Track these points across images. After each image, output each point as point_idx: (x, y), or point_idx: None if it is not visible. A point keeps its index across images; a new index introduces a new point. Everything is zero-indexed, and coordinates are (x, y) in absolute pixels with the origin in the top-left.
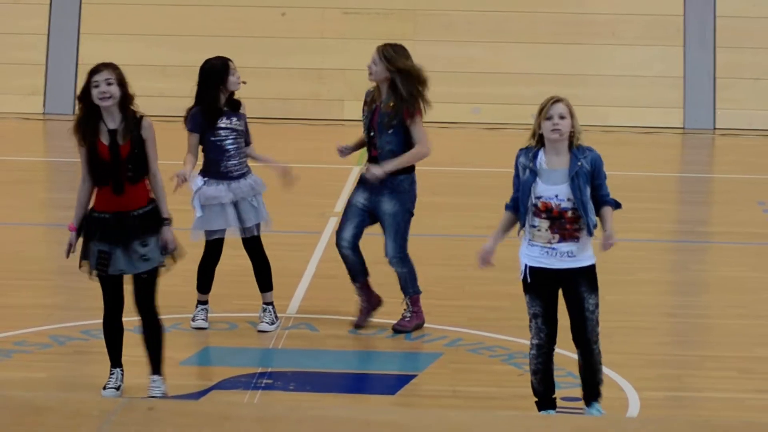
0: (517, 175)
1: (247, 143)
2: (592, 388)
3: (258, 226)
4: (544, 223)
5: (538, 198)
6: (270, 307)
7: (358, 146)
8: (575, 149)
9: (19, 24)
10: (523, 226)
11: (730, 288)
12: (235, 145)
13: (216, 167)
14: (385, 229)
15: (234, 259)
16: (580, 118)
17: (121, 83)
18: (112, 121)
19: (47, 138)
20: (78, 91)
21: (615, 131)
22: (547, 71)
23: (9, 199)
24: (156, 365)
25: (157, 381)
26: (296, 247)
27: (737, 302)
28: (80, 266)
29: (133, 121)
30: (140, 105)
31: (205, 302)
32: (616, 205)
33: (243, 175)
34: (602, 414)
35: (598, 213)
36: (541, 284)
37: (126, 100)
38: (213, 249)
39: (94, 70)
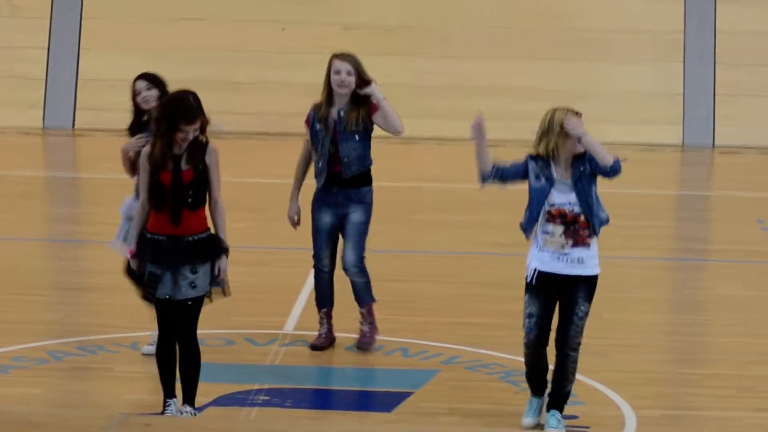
0: (519, 167)
1: None
2: (557, 397)
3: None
4: (558, 229)
5: (552, 205)
6: None
7: (300, 184)
8: (578, 156)
9: (19, 38)
10: (530, 230)
11: (729, 306)
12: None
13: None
14: (348, 239)
15: (231, 275)
16: None
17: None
18: (179, 147)
19: (46, 152)
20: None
21: (613, 148)
22: (546, 87)
23: (8, 213)
24: (190, 395)
25: (189, 410)
26: (293, 263)
27: (736, 320)
28: (139, 293)
29: (198, 146)
30: None
31: None
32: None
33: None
34: (560, 425)
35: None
36: (545, 288)
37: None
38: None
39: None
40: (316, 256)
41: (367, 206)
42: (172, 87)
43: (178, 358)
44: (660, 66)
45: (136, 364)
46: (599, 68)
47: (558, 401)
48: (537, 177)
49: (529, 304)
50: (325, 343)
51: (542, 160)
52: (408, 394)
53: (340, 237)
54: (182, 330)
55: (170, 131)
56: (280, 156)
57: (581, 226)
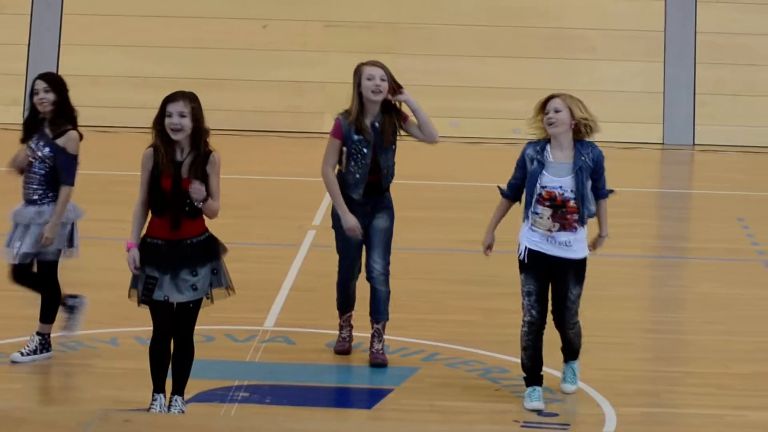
0: (522, 166)
1: (60, 179)
2: (569, 351)
3: (28, 255)
4: (547, 212)
5: (543, 187)
6: (38, 337)
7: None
8: (579, 144)
9: (0, 34)
10: (527, 213)
11: (709, 304)
12: (32, 169)
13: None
14: (375, 246)
15: None
16: None
17: (195, 117)
18: (181, 153)
19: None
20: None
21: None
22: (528, 86)
23: None
24: (179, 386)
25: (179, 400)
26: (274, 260)
27: (716, 318)
28: (129, 295)
29: (200, 156)
30: (122, 116)
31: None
32: (611, 192)
33: (31, 202)
34: (576, 373)
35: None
36: (536, 265)
37: (198, 133)
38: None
39: (170, 99)
40: (350, 266)
41: (391, 212)
42: (154, 84)
43: (171, 354)
44: (641, 65)
45: (116, 360)
46: (580, 67)
47: (570, 353)
48: (531, 161)
49: (526, 282)
50: (350, 347)
51: (541, 143)
52: (388, 391)
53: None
54: (181, 330)
55: (161, 121)
56: (260, 153)
57: (569, 211)
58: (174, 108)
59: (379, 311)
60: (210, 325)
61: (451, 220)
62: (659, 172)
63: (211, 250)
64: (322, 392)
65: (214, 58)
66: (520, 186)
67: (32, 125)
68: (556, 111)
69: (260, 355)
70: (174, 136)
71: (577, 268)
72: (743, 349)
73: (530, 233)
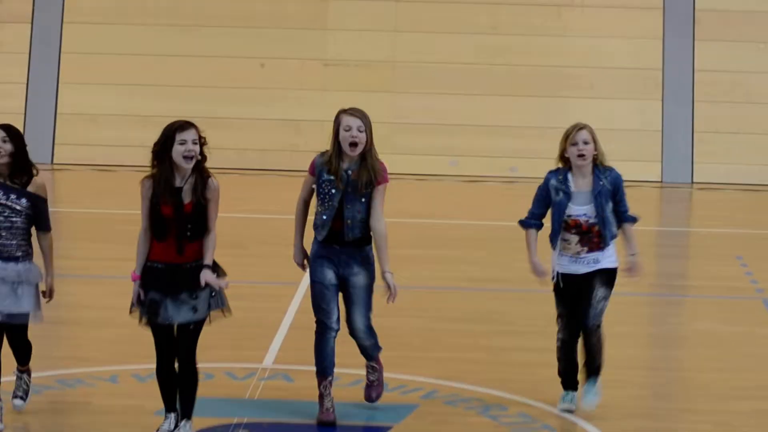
0: (545, 196)
1: (41, 228)
2: (590, 368)
3: (18, 315)
4: (574, 238)
5: (569, 216)
6: (25, 375)
7: (303, 228)
8: (597, 170)
9: None
10: (554, 241)
11: (708, 342)
12: (7, 224)
13: None
14: (354, 302)
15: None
16: None
17: (201, 143)
18: (181, 179)
19: None
20: (151, 145)
21: None
22: (526, 124)
23: None
24: (186, 410)
25: (187, 425)
26: (273, 298)
27: (714, 356)
28: (130, 312)
29: (201, 180)
30: (121, 155)
31: None
32: (634, 220)
33: (13, 259)
34: (597, 392)
35: (619, 226)
36: (568, 288)
37: (200, 160)
38: None
39: (181, 127)
40: (325, 314)
41: (370, 266)
42: (153, 122)
43: (177, 377)
44: (639, 103)
45: (115, 398)
46: (578, 105)
47: (592, 372)
48: (557, 191)
49: (558, 305)
50: (335, 418)
51: (562, 172)
52: (387, 429)
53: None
54: (183, 352)
55: (167, 149)
56: (259, 191)
57: (595, 235)
58: (188, 136)
59: (367, 355)
60: (209, 363)
61: (450, 257)
62: (658, 210)
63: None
64: (321, 430)
65: (213, 97)
66: (544, 214)
67: None
68: (585, 143)
69: (260, 392)
70: (187, 165)
71: (606, 274)
72: (740, 387)
73: (560, 258)
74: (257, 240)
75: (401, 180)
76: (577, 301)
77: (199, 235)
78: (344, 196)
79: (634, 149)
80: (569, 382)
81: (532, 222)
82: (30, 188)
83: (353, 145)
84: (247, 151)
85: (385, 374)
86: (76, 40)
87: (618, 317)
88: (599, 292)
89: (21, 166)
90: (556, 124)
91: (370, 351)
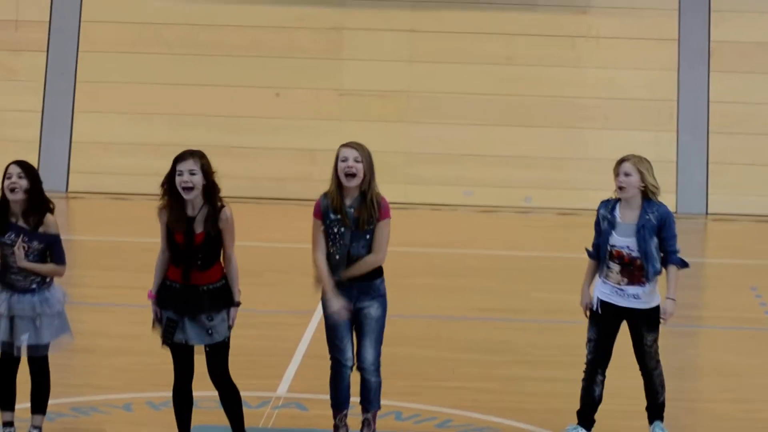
0: (597, 224)
1: (56, 262)
2: (653, 408)
3: (39, 347)
4: (616, 267)
5: (612, 246)
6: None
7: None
8: (646, 204)
9: (13, 101)
10: (601, 268)
11: (722, 372)
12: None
13: (3, 274)
14: (366, 335)
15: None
16: (570, 201)
17: (206, 172)
18: (192, 208)
19: None
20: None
21: None
22: (540, 154)
23: None
24: (237, 426)
25: None
26: (287, 327)
27: (729, 387)
28: (153, 328)
29: (212, 211)
30: (135, 183)
31: (9, 423)
32: (683, 264)
33: (29, 291)
34: None
35: (665, 265)
36: (605, 316)
37: (209, 189)
38: (1, 361)
39: (179, 158)
40: (339, 351)
41: (383, 299)
42: (167, 151)
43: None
44: (654, 134)
45: (129, 426)
46: (593, 136)
47: (656, 411)
48: (603, 220)
49: (589, 330)
50: None
51: (612, 203)
52: None
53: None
54: (214, 374)
55: (171, 179)
56: (273, 220)
57: (636, 268)
58: (184, 166)
59: (368, 400)
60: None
61: (464, 287)
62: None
63: (225, 297)
64: None
65: (228, 126)
66: (596, 245)
67: (2, 218)
68: (626, 175)
69: (273, 421)
70: (186, 195)
71: (648, 315)
72: (756, 418)
73: (602, 285)
74: (271, 269)
75: (415, 210)
76: (612, 331)
77: (211, 263)
78: (351, 234)
79: None
80: (582, 417)
81: (592, 253)
82: (42, 228)
83: (350, 176)
84: (262, 180)
85: (399, 403)
86: (91, 68)
87: (630, 348)
88: (648, 338)
89: (35, 204)
90: (570, 155)
91: (372, 395)
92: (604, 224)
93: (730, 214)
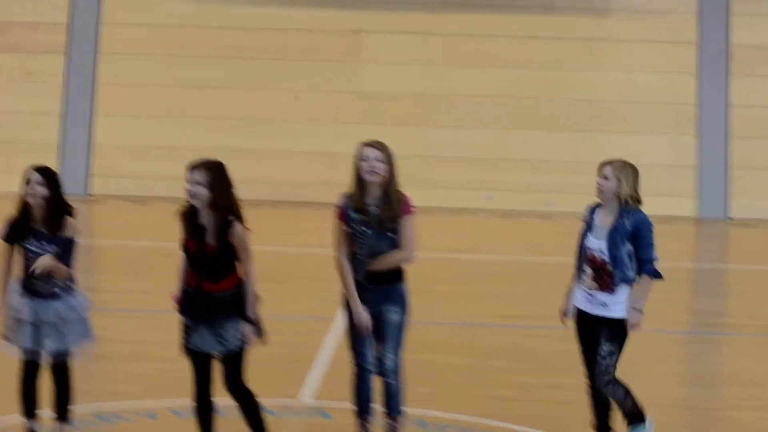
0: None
1: (64, 263)
2: (625, 416)
3: (62, 353)
4: (589, 271)
5: (587, 249)
6: None
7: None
8: (624, 209)
9: (32, 103)
10: (578, 272)
11: (746, 380)
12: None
13: (26, 280)
14: (388, 340)
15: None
16: None
17: (212, 185)
18: (205, 218)
19: None
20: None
21: None
22: (559, 158)
23: None
24: (257, 426)
25: None
26: (308, 333)
27: (752, 394)
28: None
29: (221, 225)
30: (155, 187)
31: (33, 431)
32: (656, 275)
33: (53, 296)
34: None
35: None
36: (581, 325)
37: (216, 201)
38: (24, 367)
39: (189, 166)
40: (361, 357)
41: (404, 304)
42: (187, 154)
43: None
44: (673, 138)
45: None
46: (612, 140)
47: (630, 420)
48: (584, 221)
49: (577, 340)
50: None
51: (595, 206)
52: None
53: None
54: (227, 381)
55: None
56: (293, 224)
57: (607, 273)
58: (190, 176)
59: (390, 406)
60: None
61: (485, 293)
62: (694, 247)
63: (239, 307)
64: None
65: (247, 129)
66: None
67: (22, 225)
68: (605, 178)
69: (296, 429)
70: (191, 202)
71: (611, 325)
72: None
73: (577, 290)
74: (291, 274)
75: (434, 214)
76: (590, 340)
77: (223, 274)
78: (374, 233)
79: (669, 184)
80: (598, 425)
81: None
82: (61, 231)
83: (371, 173)
84: (281, 183)
85: (423, 411)
86: (111, 71)
87: (655, 355)
88: (605, 347)
89: (55, 210)
90: (589, 159)
91: (395, 399)
92: (583, 226)
93: (752, 219)
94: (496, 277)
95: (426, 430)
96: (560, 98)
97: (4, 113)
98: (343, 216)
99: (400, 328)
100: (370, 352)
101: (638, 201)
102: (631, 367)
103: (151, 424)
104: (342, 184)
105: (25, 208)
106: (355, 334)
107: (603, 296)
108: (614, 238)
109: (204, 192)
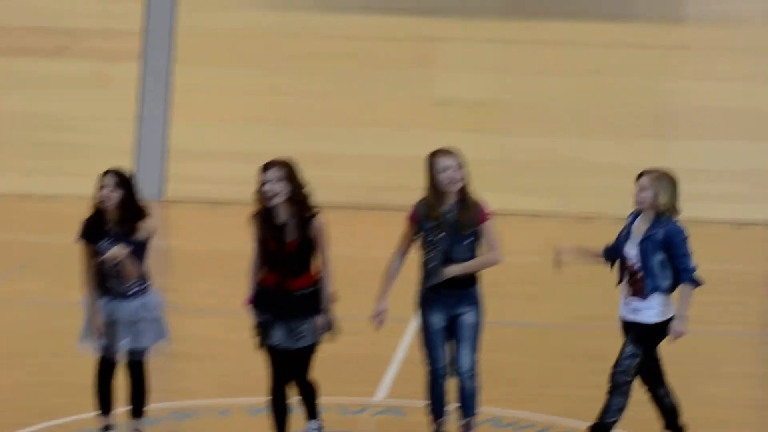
0: (620, 233)
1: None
2: (600, 422)
3: (138, 351)
4: (627, 279)
5: (624, 258)
6: None
7: (393, 282)
8: (657, 219)
9: (108, 109)
10: (620, 281)
11: None
12: (117, 269)
13: (101, 280)
14: (462, 341)
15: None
16: None
17: (290, 180)
18: (282, 215)
19: None
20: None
21: (703, 225)
22: (632, 164)
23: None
24: (312, 412)
25: (313, 423)
26: (384, 333)
27: None
28: (253, 333)
29: (302, 219)
30: (230, 191)
31: (109, 427)
32: (696, 283)
33: (129, 296)
34: None
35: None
36: (624, 331)
37: (296, 198)
38: (101, 365)
39: (262, 167)
40: (434, 361)
41: (479, 306)
42: (261, 159)
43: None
44: (748, 145)
45: (226, 431)
46: (686, 146)
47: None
48: (624, 229)
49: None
50: None
51: (635, 214)
52: None
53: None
54: (296, 374)
55: (259, 190)
56: (369, 229)
57: (639, 280)
58: (266, 176)
59: (465, 406)
60: (321, 397)
61: (561, 295)
62: None
63: (316, 303)
64: None
65: (322, 134)
66: (613, 248)
67: (96, 227)
68: (642, 189)
69: (371, 427)
70: (268, 204)
71: (638, 329)
72: None
73: (621, 300)
74: (367, 276)
75: (510, 219)
76: None
77: (304, 270)
78: (450, 239)
79: (746, 190)
80: (667, 425)
81: (604, 251)
82: (136, 233)
83: (452, 183)
84: (356, 188)
85: (498, 410)
86: (186, 77)
87: (729, 356)
88: (627, 348)
89: (129, 212)
90: (665, 164)
91: (470, 400)
92: (623, 233)
93: None
94: (572, 279)
95: (501, 430)
96: (634, 105)
97: (81, 118)
98: (416, 221)
99: (475, 329)
100: (444, 355)
101: (675, 211)
102: (705, 367)
103: (224, 422)
104: (416, 189)
105: (100, 210)
106: (428, 337)
107: (636, 302)
108: (646, 247)
109: (282, 188)
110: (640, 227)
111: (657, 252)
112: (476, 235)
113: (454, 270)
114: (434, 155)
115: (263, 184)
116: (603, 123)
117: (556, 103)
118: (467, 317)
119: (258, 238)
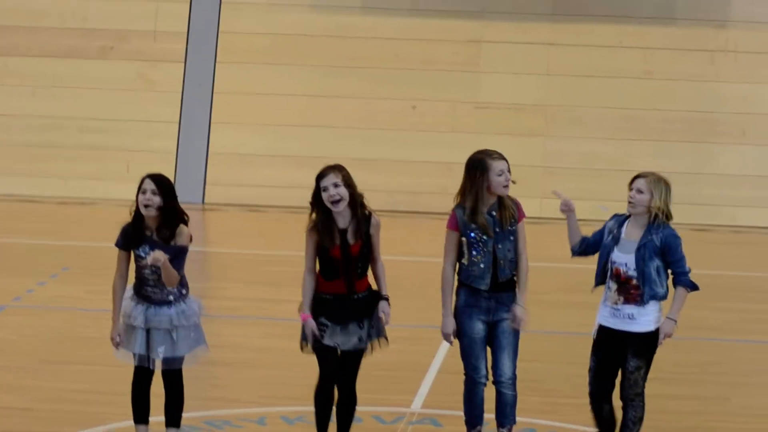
0: (601, 233)
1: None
2: None
3: (175, 360)
4: (614, 286)
5: (613, 263)
6: None
7: (452, 295)
8: (653, 225)
9: (151, 111)
10: (597, 284)
11: None
12: (155, 277)
13: (139, 286)
14: (503, 349)
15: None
16: (706, 217)
17: (348, 183)
18: (343, 220)
19: None
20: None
21: (742, 232)
22: (676, 169)
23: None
24: (345, 429)
25: None
26: (421, 341)
27: None
28: (301, 348)
29: (363, 219)
30: (271, 195)
31: None
32: (692, 286)
33: (166, 303)
34: None
35: (675, 287)
36: (605, 342)
37: (354, 199)
38: (137, 374)
39: (321, 174)
40: (474, 369)
41: None
42: (303, 163)
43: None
44: None
45: None
46: (730, 151)
47: None
48: (609, 233)
49: (591, 357)
50: None
51: (623, 217)
52: None
53: None
54: (346, 378)
55: (318, 196)
56: (409, 233)
57: (632, 287)
58: (327, 181)
59: (504, 415)
60: (358, 406)
61: (597, 304)
62: None
63: (372, 305)
64: None
65: (363, 138)
66: (590, 243)
67: (136, 233)
68: (639, 192)
69: None
70: (335, 208)
71: (639, 340)
72: None
73: (602, 308)
74: (407, 282)
75: (550, 224)
76: (611, 358)
77: (367, 269)
78: (495, 240)
79: None
80: None
81: (575, 249)
82: (174, 239)
83: (507, 186)
84: (398, 192)
85: (535, 420)
86: (228, 79)
87: (764, 366)
88: (632, 363)
89: (169, 218)
90: (707, 171)
91: (508, 409)
92: (608, 239)
93: None
94: None
95: None
96: (678, 110)
97: (123, 121)
98: (458, 227)
99: (516, 336)
100: (483, 363)
101: (668, 216)
102: (740, 377)
103: (261, 430)
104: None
105: (139, 216)
106: (467, 344)
107: (629, 308)
108: (642, 254)
109: (345, 191)
110: (631, 233)
111: (654, 258)
112: (515, 234)
113: (521, 301)
114: (488, 159)
115: (324, 189)
116: (647, 127)
117: (600, 107)
118: (508, 324)
119: (317, 247)
